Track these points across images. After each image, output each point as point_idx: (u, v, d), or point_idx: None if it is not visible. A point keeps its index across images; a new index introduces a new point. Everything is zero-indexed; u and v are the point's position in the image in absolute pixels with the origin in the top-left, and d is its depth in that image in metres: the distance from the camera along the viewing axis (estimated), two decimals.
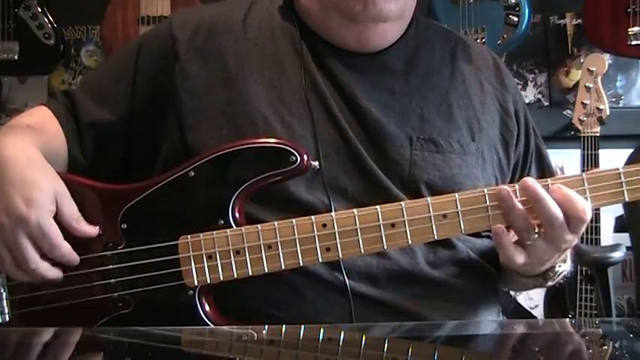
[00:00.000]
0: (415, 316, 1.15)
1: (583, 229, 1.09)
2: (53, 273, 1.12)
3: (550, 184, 1.08)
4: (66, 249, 1.10)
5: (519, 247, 1.09)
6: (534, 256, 1.09)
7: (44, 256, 1.10)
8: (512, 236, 1.11)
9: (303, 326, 1.09)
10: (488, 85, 1.31)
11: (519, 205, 1.07)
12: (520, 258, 1.09)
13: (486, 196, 1.08)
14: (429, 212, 1.08)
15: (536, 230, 1.08)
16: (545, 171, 1.35)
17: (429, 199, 1.09)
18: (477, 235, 1.24)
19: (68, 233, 1.11)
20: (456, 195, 1.08)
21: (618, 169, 1.09)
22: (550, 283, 1.21)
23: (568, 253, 1.17)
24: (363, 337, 1.06)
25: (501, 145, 1.29)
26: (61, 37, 2.94)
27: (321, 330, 1.08)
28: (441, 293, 1.18)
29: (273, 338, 1.03)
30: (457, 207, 1.08)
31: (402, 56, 1.27)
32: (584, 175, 1.08)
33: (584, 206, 1.07)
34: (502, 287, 1.33)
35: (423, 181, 1.19)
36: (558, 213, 1.06)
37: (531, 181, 1.07)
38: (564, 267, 1.19)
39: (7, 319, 1.16)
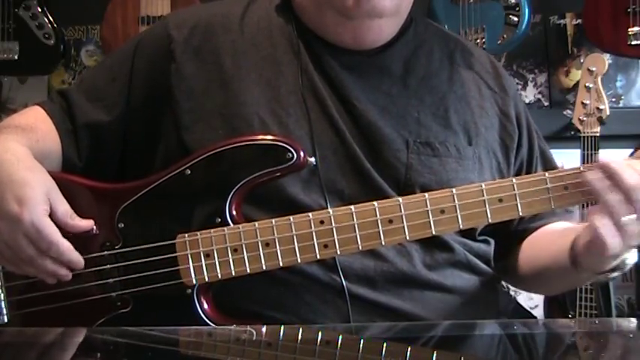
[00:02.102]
0: (412, 319, 1.15)
1: None
2: (62, 270, 1.12)
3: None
4: (65, 246, 1.10)
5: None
6: (625, 240, 1.04)
7: (45, 255, 1.10)
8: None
9: (300, 327, 1.09)
10: (487, 89, 1.31)
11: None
12: (615, 245, 1.03)
13: (484, 190, 1.08)
14: (427, 207, 1.08)
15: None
16: None
17: (426, 194, 1.09)
18: (474, 238, 1.24)
19: (64, 233, 1.11)
20: (454, 190, 1.08)
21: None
22: (616, 274, 1.15)
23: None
24: (361, 339, 1.06)
25: (501, 150, 1.29)
26: (61, 37, 2.94)
27: (319, 332, 1.08)
28: (438, 296, 1.18)
29: (271, 340, 1.03)
30: (454, 202, 1.08)
31: (401, 58, 1.26)
32: (581, 167, 1.08)
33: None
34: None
35: (419, 185, 1.18)
36: (637, 182, 1.02)
37: (606, 158, 1.05)
38: (634, 258, 1.13)
39: (6, 320, 1.16)
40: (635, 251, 1.14)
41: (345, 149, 1.18)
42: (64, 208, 1.12)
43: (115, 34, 2.80)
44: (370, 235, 1.08)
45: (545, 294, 2.44)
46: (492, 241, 1.29)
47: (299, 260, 1.09)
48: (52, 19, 2.91)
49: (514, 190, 1.08)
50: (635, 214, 1.03)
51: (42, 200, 1.10)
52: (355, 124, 1.20)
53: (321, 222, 1.09)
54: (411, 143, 1.20)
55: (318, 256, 1.09)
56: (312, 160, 1.13)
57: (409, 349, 0.99)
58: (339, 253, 1.09)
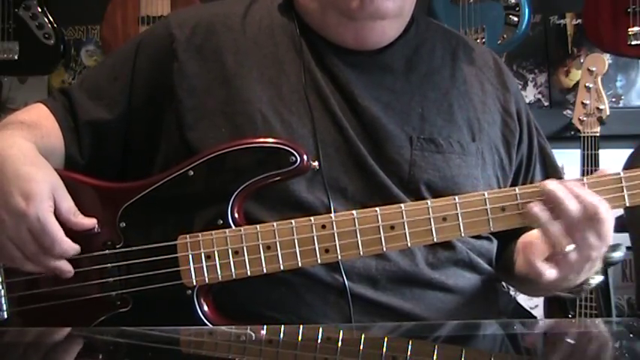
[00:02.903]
0: (414, 318, 1.15)
1: (609, 231, 1.07)
2: (65, 265, 1.11)
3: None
4: (68, 244, 1.10)
5: (550, 263, 1.08)
6: (566, 268, 1.08)
7: (46, 252, 1.10)
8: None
9: (301, 326, 1.09)
10: (489, 86, 1.31)
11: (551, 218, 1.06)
12: (551, 274, 1.07)
13: (486, 199, 1.08)
14: (429, 215, 1.08)
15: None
16: (549, 171, 1.34)
17: (429, 201, 1.09)
18: (477, 236, 1.24)
19: (67, 230, 1.11)
20: (456, 198, 1.08)
21: (619, 173, 1.09)
22: (582, 295, 1.19)
23: (599, 265, 1.15)
24: (362, 337, 1.06)
25: (503, 146, 1.29)
26: (61, 37, 2.94)
27: (320, 330, 1.08)
28: (440, 295, 1.18)
29: (272, 338, 1.03)
30: (457, 210, 1.08)
31: (403, 55, 1.27)
32: (585, 179, 1.08)
33: (603, 203, 1.06)
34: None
35: (423, 182, 1.18)
36: (581, 210, 1.05)
37: (550, 183, 1.07)
38: (597, 279, 1.17)
39: (5, 316, 1.16)
40: (599, 270, 1.17)
41: (349, 147, 1.18)
42: (67, 204, 1.12)
43: (115, 34, 2.80)
44: (372, 241, 1.08)
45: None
46: (495, 240, 1.29)
47: (300, 264, 1.09)
48: (52, 19, 2.91)
49: (517, 199, 1.08)
50: (575, 244, 1.06)
51: (47, 196, 1.10)
52: (358, 121, 1.20)
53: (323, 226, 1.09)
54: (414, 139, 1.20)
55: (319, 261, 1.09)
56: (316, 164, 1.13)
57: (410, 346, 0.99)
58: (340, 257, 1.09)
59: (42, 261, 1.10)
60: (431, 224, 1.08)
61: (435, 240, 1.09)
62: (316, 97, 1.20)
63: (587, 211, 1.05)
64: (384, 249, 1.09)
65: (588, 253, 1.07)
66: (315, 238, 1.09)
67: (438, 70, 1.28)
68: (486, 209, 1.08)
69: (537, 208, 1.06)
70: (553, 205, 1.06)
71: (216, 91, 1.20)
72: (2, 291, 1.16)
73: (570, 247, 1.06)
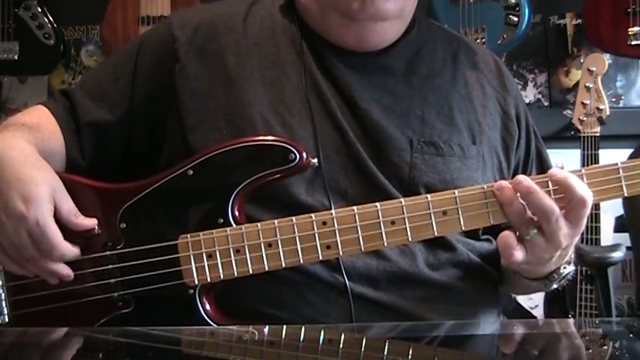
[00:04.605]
0: (415, 318, 1.15)
1: (584, 221, 1.08)
2: (63, 269, 1.11)
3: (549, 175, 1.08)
4: (66, 248, 1.10)
5: (519, 244, 1.09)
6: (534, 255, 1.09)
7: (45, 255, 1.10)
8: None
9: (303, 327, 1.09)
10: (490, 88, 1.31)
11: (518, 198, 1.06)
12: (519, 255, 1.08)
13: (486, 192, 1.08)
14: (429, 209, 1.08)
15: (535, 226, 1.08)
16: None
17: (428, 196, 1.09)
18: (477, 238, 1.24)
19: (67, 231, 1.11)
20: (456, 192, 1.08)
21: (617, 164, 1.09)
22: (555, 286, 1.20)
23: (572, 254, 1.16)
24: (364, 338, 1.06)
25: (502, 149, 1.29)
26: (61, 37, 2.95)
27: (322, 331, 1.08)
28: (440, 295, 1.18)
29: (274, 339, 1.03)
30: (457, 204, 1.08)
31: (404, 57, 1.27)
32: (583, 170, 1.09)
33: (584, 186, 1.06)
34: (506, 291, 1.33)
35: (423, 184, 1.18)
36: (553, 205, 1.05)
37: (522, 176, 1.07)
38: (569, 269, 1.18)
39: (7, 319, 1.16)
40: (572, 262, 1.19)
41: (349, 149, 1.18)
42: (68, 206, 1.12)
43: (115, 34, 2.81)
44: (373, 237, 1.08)
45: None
46: (494, 241, 1.29)
47: (301, 261, 1.09)
48: (52, 19, 2.92)
49: (516, 192, 1.08)
50: (546, 233, 1.06)
51: (47, 199, 1.10)
52: (359, 124, 1.20)
53: (324, 223, 1.09)
54: (414, 142, 1.20)
55: (321, 257, 1.09)
56: (315, 161, 1.13)
57: (411, 348, 0.99)
58: (341, 254, 1.09)
59: (40, 265, 1.10)
60: (431, 219, 1.08)
61: (436, 234, 1.09)
62: (317, 100, 1.20)
63: (566, 198, 1.06)
64: (385, 244, 1.09)
65: (559, 241, 1.07)
66: (317, 234, 1.09)
67: (439, 73, 1.28)
68: (486, 202, 1.08)
69: (508, 194, 1.07)
70: (528, 201, 1.06)
71: (217, 93, 1.20)
72: (3, 295, 1.16)
73: (533, 232, 1.07)
